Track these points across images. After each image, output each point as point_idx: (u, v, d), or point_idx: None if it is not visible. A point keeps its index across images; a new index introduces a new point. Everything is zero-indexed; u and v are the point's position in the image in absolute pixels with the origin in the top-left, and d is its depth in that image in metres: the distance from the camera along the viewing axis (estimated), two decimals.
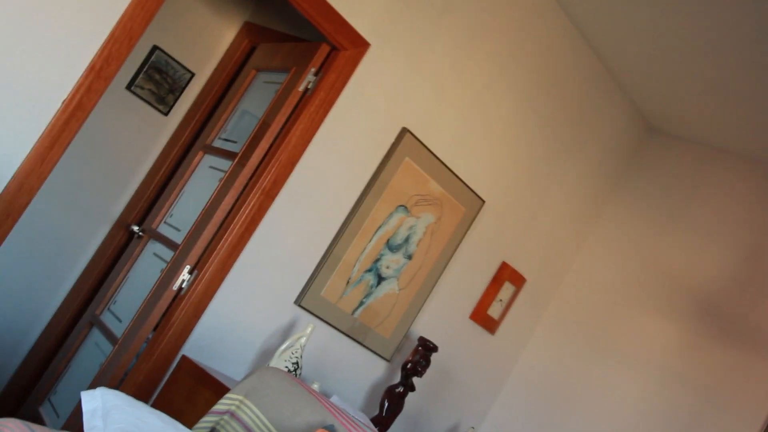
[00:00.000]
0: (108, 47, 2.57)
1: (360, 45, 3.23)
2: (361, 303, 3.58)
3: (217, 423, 2.29)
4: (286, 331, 3.39)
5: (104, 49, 2.57)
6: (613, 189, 4.54)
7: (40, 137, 2.51)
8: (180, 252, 3.27)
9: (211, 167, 3.68)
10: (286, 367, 3.01)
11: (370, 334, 3.66)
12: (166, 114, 4.35)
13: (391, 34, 3.31)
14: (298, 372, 3.04)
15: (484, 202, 3.90)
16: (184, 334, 3.11)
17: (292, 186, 3.24)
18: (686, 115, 4.17)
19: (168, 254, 3.46)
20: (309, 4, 3.00)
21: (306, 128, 3.19)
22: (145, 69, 4.24)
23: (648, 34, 3.63)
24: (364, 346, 3.66)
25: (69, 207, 4.14)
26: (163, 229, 3.68)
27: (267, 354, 3.35)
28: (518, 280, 4.22)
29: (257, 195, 3.15)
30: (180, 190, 3.78)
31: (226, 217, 3.19)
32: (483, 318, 4.12)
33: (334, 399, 3.31)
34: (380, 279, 3.61)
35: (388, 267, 3.62)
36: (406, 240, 3.65)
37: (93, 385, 3.20)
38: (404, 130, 3.49)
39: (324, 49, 3.25)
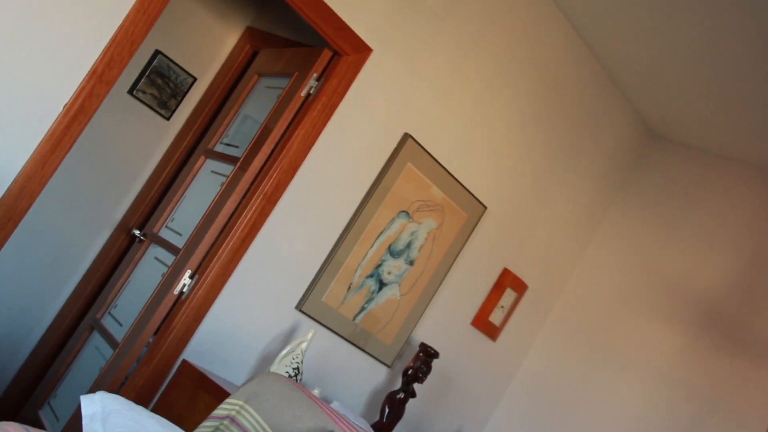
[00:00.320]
0: (110, 51, 2.57)
1: (362, 50, 3.23)
2: (363, 308, 3.58)
3: (217, 428, 2.29)
4: (287, 337, 3.39)
5: (106, 53, 2.57)
6: (615, 195, 4.53)
7: (42, 141, 2.51)
8: (181, 256, 3.27)
9: (212, 172, 3.68)
10: (287, 372, 3.00)
11: (371, 339, 3.65)
12: (167, 118, 4.35)
13: (393, 39, 3.31)
14: (298, 377, 3.03)
15: (486, 208, 3.89)
16: (185, 339, 3.10)
17: (293, 191, 3.23)
18: (688, 121, 4.17)
19: (169, 258, 3.46)
20: (311, 9, 3.01)
21: (308, 133, 3.19)
22: (147, 73, 4.24)
23: (650, 40, 3.63)
24: (365, 351, 3.66)
25: (70, 211, 4.14)
26: (165, 234, 3.69)
27: (268, 359, 3.35)
28: (520, 287, 4.21)
29: (259, 200, 3.15)
30: (181, 195, 3.78)
31: (228, 222, 3.19)
32: (484, 324, 4.11)
33: (334, 405, 3.30)
34: (382, 285, 3.61)
35: (389, 273, 3.62)
36: (408, 246, 3.65)
37: (93, 389, 3.20)
38: (406, 136, 3.49)
39: (326, 55, 3.25)
